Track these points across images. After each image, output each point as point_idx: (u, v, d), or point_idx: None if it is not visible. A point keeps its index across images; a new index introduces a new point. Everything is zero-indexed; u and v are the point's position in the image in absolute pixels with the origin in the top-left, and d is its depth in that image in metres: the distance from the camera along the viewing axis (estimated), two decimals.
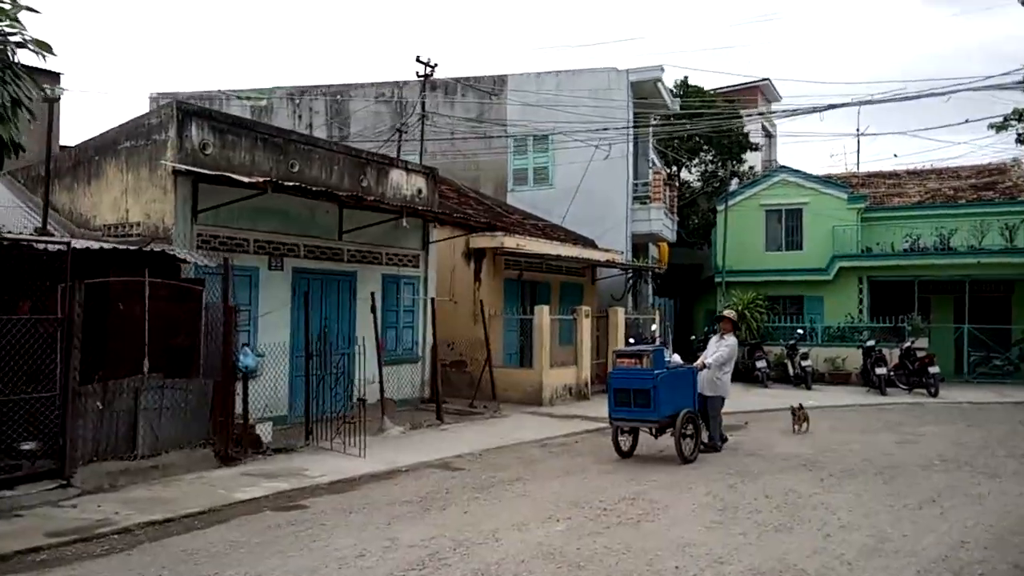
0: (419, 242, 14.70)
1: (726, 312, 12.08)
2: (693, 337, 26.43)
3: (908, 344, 19.62)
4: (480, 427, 12.55)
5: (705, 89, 34.83)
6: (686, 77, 33.61)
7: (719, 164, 33.85)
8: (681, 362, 11.41)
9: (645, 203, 21.38)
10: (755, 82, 45.76)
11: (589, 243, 20.21)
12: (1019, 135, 17.10)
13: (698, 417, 10.35)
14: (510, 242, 15.77)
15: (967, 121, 23.71)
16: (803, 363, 19.91)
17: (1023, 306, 23.33)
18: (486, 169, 22.93)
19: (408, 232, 14.29)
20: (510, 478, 8.88)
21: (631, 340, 18.35)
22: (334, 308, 12.79)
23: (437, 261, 16.00)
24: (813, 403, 16.87)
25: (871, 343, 19.98)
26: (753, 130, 39.33)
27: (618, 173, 21.26)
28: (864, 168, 32.00)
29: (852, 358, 20.77)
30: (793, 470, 9.43)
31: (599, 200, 21.23)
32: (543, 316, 15.26)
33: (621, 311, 18.32)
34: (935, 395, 18.20)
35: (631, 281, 21.19)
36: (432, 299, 14.78)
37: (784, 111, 24.93)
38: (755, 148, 36.05)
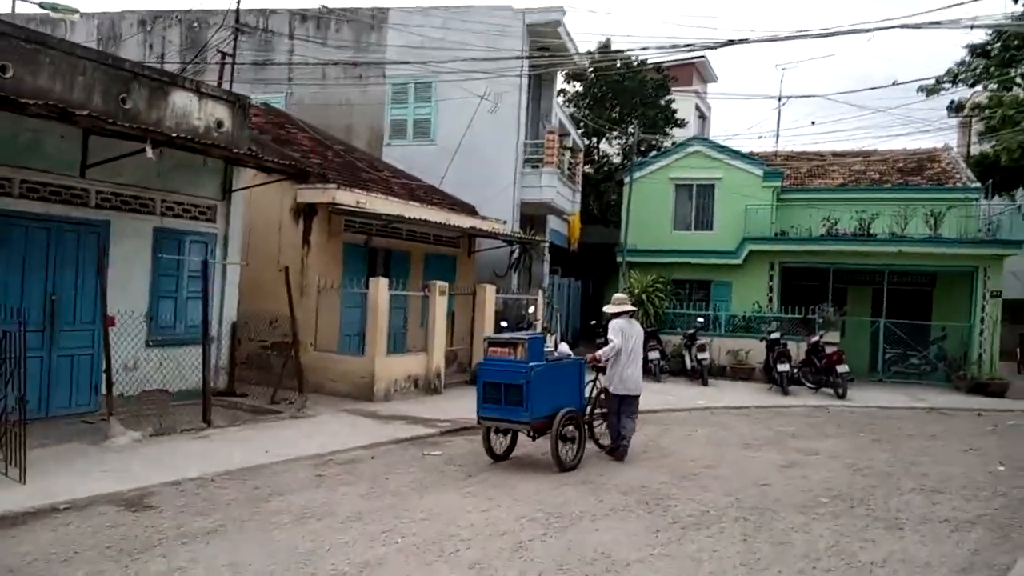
0: (217, 189, 11.62)
1: (607, 308, 9.72)
2: (593, 323, 24.11)
3: (816, 338, 17.50)
4: (258, 434, 9.66)
5: (629, 57, 32.33)
6: (608, 39, 30.99)
7: (641, 139, 31.50)
8: (568, 353, 9.34)
9: (537, 167, 18.64)
10: (690, 59, 43.68)
11: (467, 209, 17.40)
12: (953, 103, 14.89)
13: (583, 418, 8.95)
14: (346, 197, 12.81)
15: (894, 83, 21.64)
16: (700, 355, 17.60)
17: (945, 301, 21.61)
18: (361, 119, 19.84)
19: (200, 175, 11.23)
20: (212, 526, 6.04)
21: (503, 324, 15.70)
22: (71, 269, 9.67)
23: (253, 216, 12.96)
24: (703, 403, 14.61)
25: (776, 335, 17.80)
26: (687, 112, 37.17)
27: (508, 130, 18.47)
28: (785, 146, 29.91)
29: (756, 351, 18.59)
30: (626, 512, 6.85)
31: (485, 161, 18.41)
32: (378, 291, 12.40)
33: (491, 289, 15.60)
34: (842, 396, 16.14)
35: (517, 256, 18.49)
36: (243, 263, 11.81)
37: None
38: (682, 124, 33.77)
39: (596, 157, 33.53)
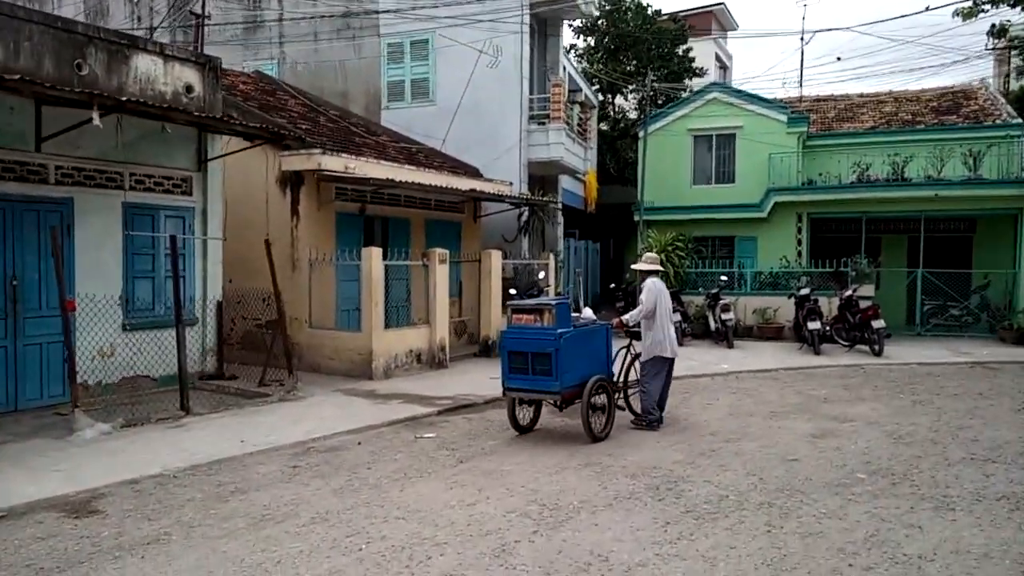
0: (191, 159, 10.83)
1: (637, 265, 9.26)
2: (612, 285, 23.18)
3: (849, 292, 16.37)
4: (240, 420, 8.95)
5: (643, 4, 30.80)
6: None
7: (658, 91, 30.14)
8: (593, 318, 8.79)
9: (543, 123, 17.59)
10: (708, 6, 41.80)
11: (470, 171, 16.47)
12: (993, 27, 13.51)
13: (614, 385, 8.60)
14: (333, 163, 11.96)
15: (927, 9, 19.97)
16: (724, 316, 16.57)
17: (986, 247, 20.28)
18: (357, 83, 18.89)
19: (171, 145, 10.44)
20: (156, 534, 5.33)
21: (512, 291, 14.85)
22: (33, 252, 8.97)
23: (237, 188, 12.20)
24: (727, 367, 13.67)
25: (805, 291, 16.68)
26: (706, 62, 35.55)
27: (511, 86, 17.41)
28: (810, 90, 28.43)
29: (785, 309, 17.52)
30: (632, 501, 6.00)
31: (488, 120, 17.44)
32: (372, 261, 11.58)
33: (496, 255, 14.71)
34: (879, 354, 15.08)
35: (527, 219, 17.54)
36: (221, 238, 11.07)
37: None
38: (701, 73, 32.26)
39: (612, 113, 32.24)
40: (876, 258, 19.52)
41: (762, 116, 20.16)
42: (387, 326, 12.29)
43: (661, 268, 9.14)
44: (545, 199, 16.61)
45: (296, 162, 12.00)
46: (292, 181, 12.30)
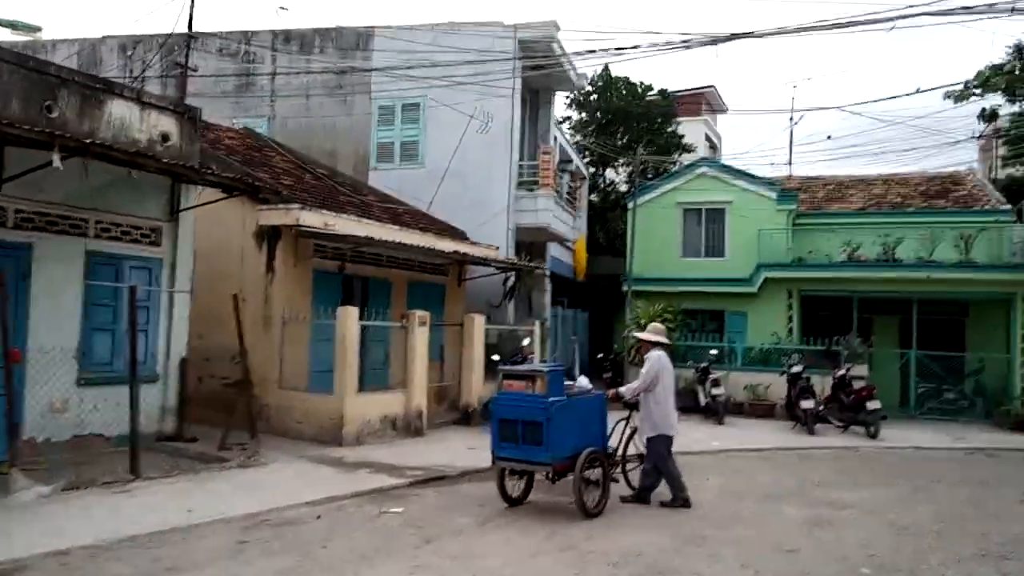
0: (162, 209, 10.40)
1: (643, 334, 8.90)
2: (600, 355, 22.67)
3: (843, 372, 15.92)
4: (192, 487, 8.25)
5: (633, 81, 31.32)
6: (607, 65, 29.92)
7: (648, 164, 30.33)
8: (589, 387, 8.53)
9: (532, 190, 17.39)
10: (699, 88, 42.67)
11: (456, 233, 16.14)
12: (984, 112, 13.55)
13: (609, 459, 8.17)
14: (312, 219, 11.57)
15: (918, 91, 20.15)
16: (714, 391, 16.04)
17: (980, 330, 19.98)
18: (346, 142, 18.73)
19: (142, 193, 10.03)
20: None
21: (495, 358, 14.34)
22: None
23: (211, 241, 11.76)
24: (718, 444, 13.07)
25: (798, 368, 16.22)
26: (696, 142, 36.01)
27: (500, 151, 17.27)
28: (798, 170, 28.62)
29: (776, 386, 17.01)
30: None
31: (476, 184, 17.22)
32: (347, 321, 11.06)
33: (479, 320, 14.22)
34: (874, 436, 14.52)
35: (512, 285, 17.14)
36: (188, 291, 10.55)
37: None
38: (691, 149, 32.58)
39: (602, 185, 32.36)
40: (868, 338, 19.16)
41: (751, 192, 20.10)
42: (362, 389, 11.70)
43: (668, 341, 8.68)
44: (531, 264, 16.27)
45: (274, 217, 11.61)
46: (269, 236, 11.87)
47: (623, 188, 32.94)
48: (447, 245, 14.22)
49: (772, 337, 18.91)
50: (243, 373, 9.95)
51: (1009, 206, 20.49)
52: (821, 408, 15.45)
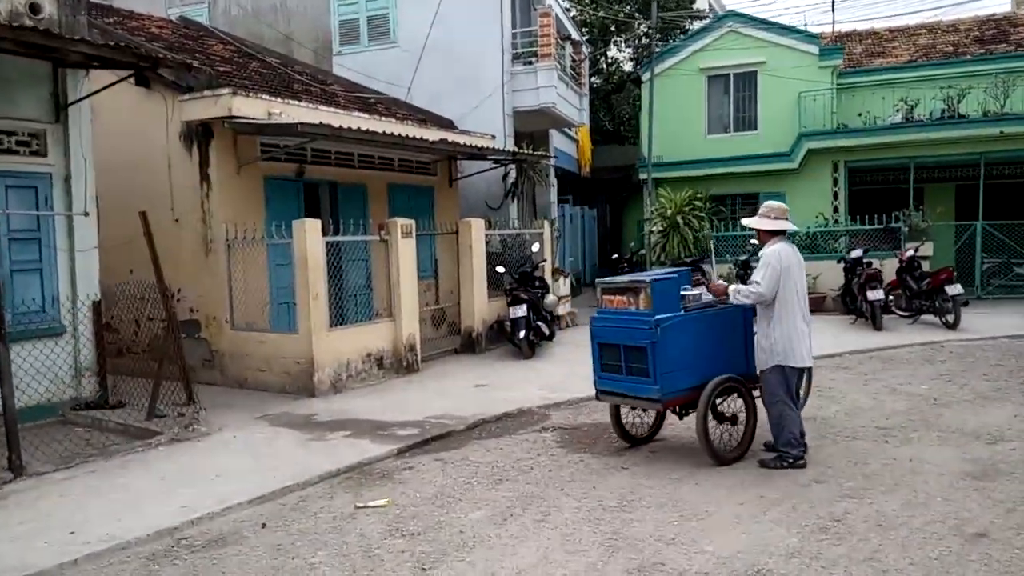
0: (43, 106, 7.70)
1: (753, 221, 6.10)
2: (616, 256, 20.22)
3: (912, 252, 13.46)
4: (97, 484, 5.94)
5: None
6: None
7: (656, 37, 26.97)
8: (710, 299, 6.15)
9: (530, 62, 14.44)
10: None
11: (442, 123, 13.38)
12: None
13: (747, 386, 6.00)
14: (251, 108, 8.86)
15: None
16: None
17: None
18: (302, 25, 15.67)
19: (13, 87, 7.34)
20: None
21: (500, 269, 11.89)
22: None
23: (127, 149, 9.13)
24: None
25: (857, 253, 13.78)
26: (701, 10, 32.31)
27: (489, 17, 14.24)
28: (821, 25, 25.27)
29: (827, 275, 14.61)
30: None
31: (463, 61, 14.28)
32: (307, 237, 8.52)
33: (478, 224, 11.66)
34: (954, 326, 12.22)
35: (514, 181, 14.48)
36: (88, 213, 8.00)
37: None
38: (703, 16, 29.02)
39: (604, 66, 29.03)
40: (921, 211, 16.62)
41: (788, 49, 17.08)
42: (340, 322, 9.32)
43: (793, 227, 6.11)
44: (537, 153, 13.51)
45: (200, 108, 8.89)
46: (198, 135, 9.18)
47: (628, 68, 29.66)
48: (433, 135, 11.48)
49: (817, 219, 16.34)
50: (166, 316, 7.49)
51: None
52: (889, 298, 13.08)
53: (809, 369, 6.11)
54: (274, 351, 8.87)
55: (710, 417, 5.81)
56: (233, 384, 9.04)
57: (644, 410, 6.35)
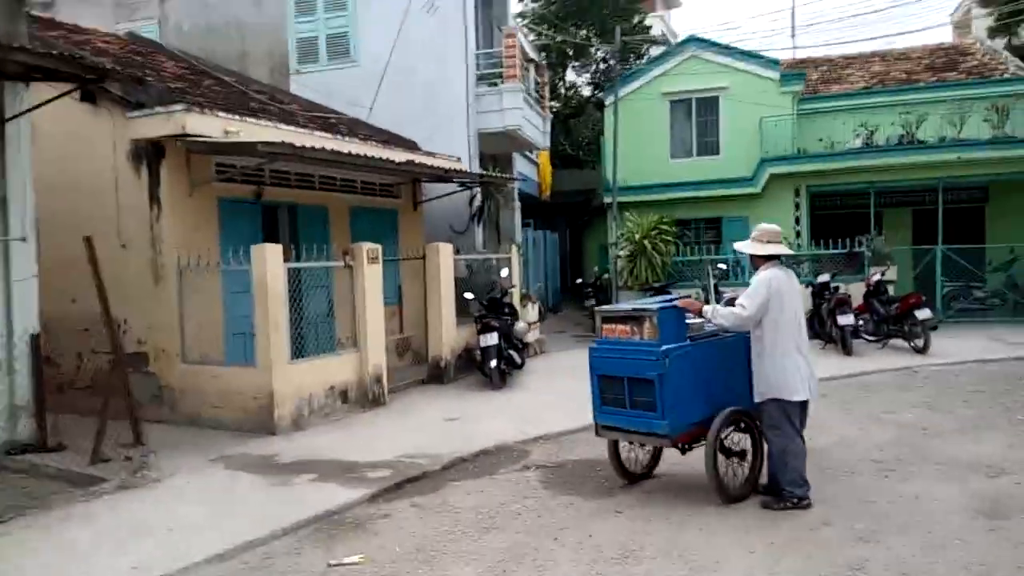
0: None
1: (745, 245, 5.73)
2: (580, 281, 20.02)
3: (878, 277, 13.48)
4: (29, 546, 5.30)
5: None
6: None
7: (614, 60, 27.05)
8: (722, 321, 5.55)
9: (495, 84, 14.17)
10: None
11: (405, 144, 12.96)
12: None
13: (754, 419, 5.65)
14: (205, 125, 8.32)
15: None
16: None
17: (1001, 217, 17.81)
18: (258, 42, 15.13)
19: None
20: None
21: (468, 296, 11.48)
22: None
23: (71, 170, 8.51)
24: None
25: (824, 278, 13.75)
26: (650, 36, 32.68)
27: (453, 38, 13.92)
28: (779, 52, 25.64)
29: None
30: None
31: (426, 82, 13.92)
32: (267, 262, 7.99)
33: (447, 248, 11.24)
34: (923, 350, 12.21)
35: (480, 204, 14.14)
36: (24, 239, 7.35)
37: None
38: (660, 42, 29.27)
39: (563, 90, 29.02)
40: (883, 236, 16.77)
41: (749, 74, 17.19)
42: (301, 355, 8.75)
43: (788, 250, 5.81)
44: (504, 176, 13.21)
45: (151, 126, 8.31)
46: (148, 155, 8.58)
47: (586, 92, 29.72)
48: (399, 156, 11.05)
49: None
50: (112, 350, 6.87)
51: None
52: (858, 323, 13.03)
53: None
54: (230, 386, 8.26)
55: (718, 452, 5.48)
56: (185, 422, 8.39)
57: (642, 445, 5.98)
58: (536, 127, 15.73)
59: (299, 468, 6.79)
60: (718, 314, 5.42)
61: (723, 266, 14.94)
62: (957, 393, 9.27)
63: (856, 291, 13.64)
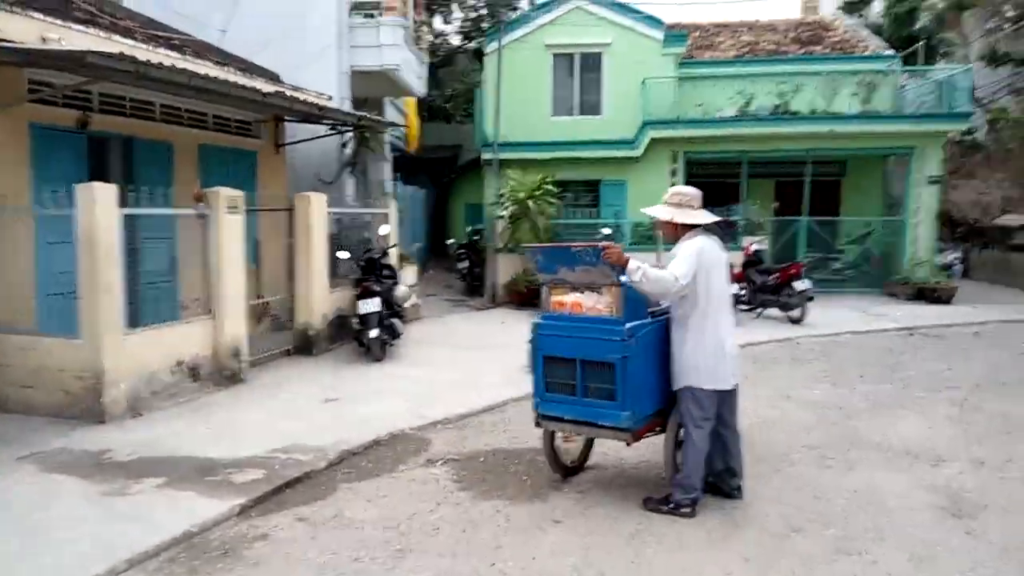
0: None
1: (658, 211, 4.79)
2: (451, 241, 19.00)
3: (756, 247, 13.47)
4: None
5: None
6: None
7: (487, 10, 25.85)
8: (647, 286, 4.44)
9: (373, 15, 12.61)
10: None
11: (265, 74, 11.23)
12: None
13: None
14: (17, 28, 6.43)
15: None
16: None
17: (857, 192, 18.60)
18: None
19: None
20: None
21: (341, 255, 10.14)
22: None
23: None
24: None
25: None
26: None
27: None
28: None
29: None
30: None
31: (290, 4, 12.17)
32: (97, 207, 6.33)
33: (319, 199, 9.78)
34: (799, 321, 12.36)
35: (354, 151, 12.65)
36: None
37: None
38: None
39: (431, 37, 27.42)
40: (756, 205, 16.95)
41: (633, 32, 16.58)
42: (137, 323, 7.15)
43: (715, 217, 4.86)
44: (387, 121, 11.83)
45: None
46: None
47: (456, 41, 28.34)
48: (266, 87, 9.39)
49: None
50: None
51: (892, 51, 18.76)
52: (740, 292, 12.94)
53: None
54: (46, 361, 6.55)
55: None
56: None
57: (579, 435, 5.11)
58: (414, 71, 14.32)
59: (140, 469, 5.36)
60: (647, 276, 4.39)
61: (607, 230, 14.52)
62: (849, 367, 9.20)
63: (734, 260, 13.57)
